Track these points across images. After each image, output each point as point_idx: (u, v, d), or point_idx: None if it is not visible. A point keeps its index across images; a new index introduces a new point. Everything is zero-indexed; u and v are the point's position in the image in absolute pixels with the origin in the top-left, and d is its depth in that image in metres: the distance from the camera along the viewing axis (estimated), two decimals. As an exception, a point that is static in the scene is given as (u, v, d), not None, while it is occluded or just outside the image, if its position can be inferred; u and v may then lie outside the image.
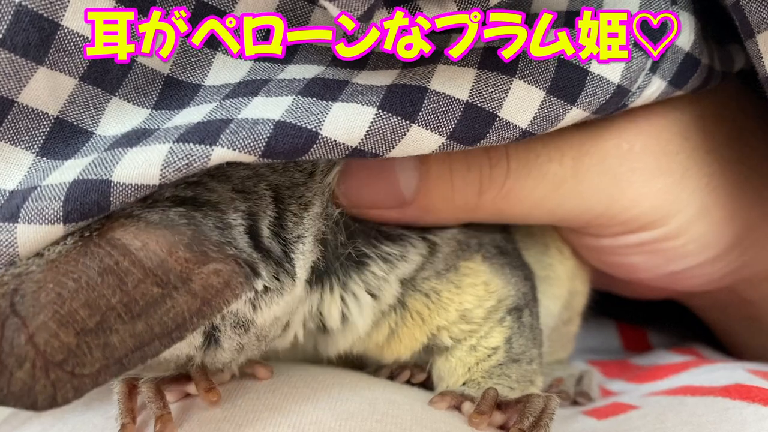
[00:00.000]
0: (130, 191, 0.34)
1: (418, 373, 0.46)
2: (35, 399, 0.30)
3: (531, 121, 0.39)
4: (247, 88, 0.37)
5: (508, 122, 0.38)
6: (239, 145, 0.34)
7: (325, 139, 0.35)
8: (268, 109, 0.35)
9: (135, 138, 0.35)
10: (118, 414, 0.39)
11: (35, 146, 0.36)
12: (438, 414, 0.41)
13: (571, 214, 0.45)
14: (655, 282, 0.50)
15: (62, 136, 0.36)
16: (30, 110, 0.36)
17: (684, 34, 0.42)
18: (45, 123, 0.36)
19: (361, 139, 0.36)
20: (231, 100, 0.36)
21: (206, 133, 0.34)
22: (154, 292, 0.32)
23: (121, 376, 0.40)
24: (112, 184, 0.33)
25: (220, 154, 0.34)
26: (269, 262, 0.37)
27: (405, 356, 0.45)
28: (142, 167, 0.33)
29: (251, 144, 0.34)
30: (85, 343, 0.30)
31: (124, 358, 0.31)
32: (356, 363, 0.48)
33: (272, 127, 0.34)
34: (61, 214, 0.33)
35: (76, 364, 0.30)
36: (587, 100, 0.39)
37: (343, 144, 0.35)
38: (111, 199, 0.33)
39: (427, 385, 0.46)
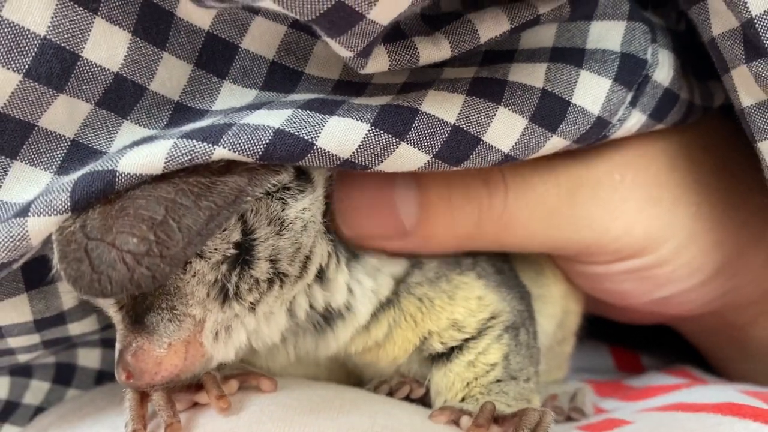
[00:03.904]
0: (133, 180, 0.35)
1: (417, 388, 0.47)
2: (138, 283, 0.34)
3: (513, 146, 0.41)
4: (251, 107, 0.39)
5: (491, 146, 0.40)
6: (239, 148, 0.36)
7: (319, 150, 0.37)
8: (270, 118, 0.37)
9: (141, 141, 0.37)
10: (129, 420, 0.39)
11: (53, 167, 0.38)
12: (436, 428, 0.41)
13: (566, 243, 0.46)
14: (645, 307, 0.52)
15: (78, 157, 0.38)
16: (48, 133, 0.38)
17: (663, 70, 0.44)
18: (62, 145, 0.38)
19: (353, 152, 0.38)
20: (235, 113, 0.38)
21: (209, 132, 0.36)
22: (204, 181, 0.36)
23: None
24: (117, 174, 0.35)
25: (220, 153, 0.36)
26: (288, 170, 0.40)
27: (400, 358, 0.45)
28: (146, 159, 0.35)
29: (251, 148, 0.36)
30: (162, 232, 0.35)
31: (202, 230, 0.36)
32: (356, 380, 0.49)
33: (272, 134, 0.36)
34: (68, 204, 0.35)
35: (162, 249, 0.35)
36: (567, 129, 0.41)
37: (336, 155, 0.37)
38: (116, 188, 0.35)
39: (425, 402, 0.47)
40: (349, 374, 0.49)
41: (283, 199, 0.39)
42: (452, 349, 0.45)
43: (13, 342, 0.45)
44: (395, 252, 0.44)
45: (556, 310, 0.53)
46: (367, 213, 0.42)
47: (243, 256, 0.39)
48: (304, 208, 0.40)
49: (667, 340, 0.66)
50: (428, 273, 0.45)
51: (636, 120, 0.44)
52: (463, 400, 0.45)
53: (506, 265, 0.48)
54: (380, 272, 0.44)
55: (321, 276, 0.42)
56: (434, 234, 0.44)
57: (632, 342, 0.69)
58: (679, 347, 0.65)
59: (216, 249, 0.38)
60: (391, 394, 0.47)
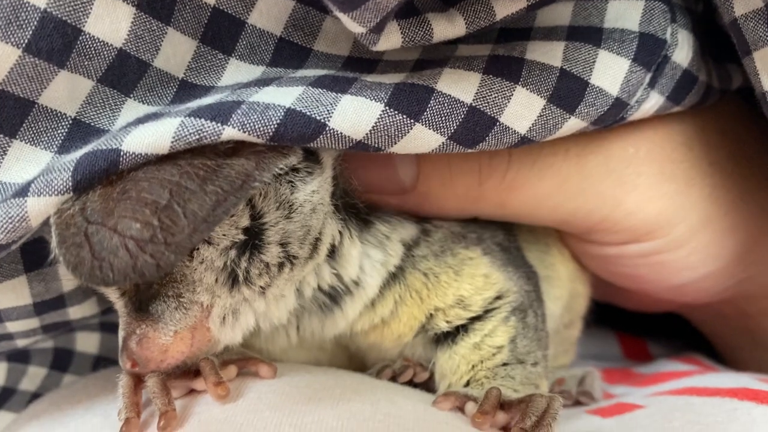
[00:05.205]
0: (138, 160, 0.34)
1: (421, 371, 0.46)
2: (142, 272, 0.33)
3: (530, 128, 0.40)
4: (259, 83, 0.38)
5: (508, 127, 0.39)
6: (249, 128, 0.35)
7: (332, 131, 0.36)
8: (279, 96, 0.36)
9: (146, 118, 0.36)
10: (123, 408, 0.38)
11: (54, 146, 0.37)
12: (440, 414, 0.41)
13: (576, 215, 0.46)
14: (661, 294, 0.51)
15: (80, 135, 0.37)
16: (49, 111, 0.37)
17: (682, 51, 0.43)
18: (63, 123, 0.37)
19: (366, 134, 0.37)
20: (243, 89, 0.37)
21: (218, 111, 0.35)
22: (209, 163, 0.35)
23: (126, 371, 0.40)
24: (121, 153, 0.34)
25: (230, 133, 0.35)
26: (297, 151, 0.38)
27: (405, 337, 0.45)
28: (152, 137, 0.34)
29: (261, 128, 0.35)
30: (166, 217, 0.33)
31: (208, 217, 0.34)
32: (358, 365, 0.48)
33: (283, 113, 0.35)
34: (70, 183, 0.34)
35: (167, 235, 0.33)
36: (585, 110, 0.40)
37: (349, 137, 0.36)
38: (120, 167, 0.34)
39: (429, 387, 0.46)
40: (351, 358, 0.48)
41: (292, 182, 0.38)
42: (458, 330, 0.45)
43: (11, 327, 0.44)
44: (398, 208, 0.43)
45: (562, 292, 0.52)
46: (366, 165, 0.42)
47: (252, 240, 0.38)
48: (313, 191, 0.39)
49: (675, 328, 0.65)
50: (434, 246, 0.44)
51: (654, 102, 0.43)
52: (467, 384, 0.44)
53: (513, 245, 0.48)
54: (390, 239, 0.43)
55: (332, 253, 0.41)
56: (433, 191, 0.43)
57: (638, 329, 0.68)
58: (685, 335, 0.64)
59: (224, 234, 0.37)
60: (394, 378, 0.46)
